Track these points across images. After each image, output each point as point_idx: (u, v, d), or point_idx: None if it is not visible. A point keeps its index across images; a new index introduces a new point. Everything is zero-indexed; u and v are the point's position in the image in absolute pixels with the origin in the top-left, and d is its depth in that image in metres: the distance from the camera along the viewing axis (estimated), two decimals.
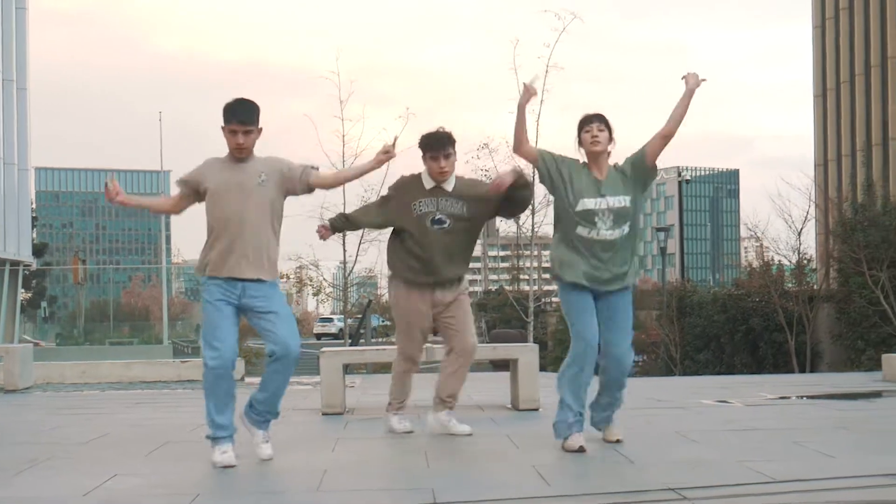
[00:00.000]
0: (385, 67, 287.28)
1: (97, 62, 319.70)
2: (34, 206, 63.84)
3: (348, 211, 11.70)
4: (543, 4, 25.64)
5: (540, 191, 18.88)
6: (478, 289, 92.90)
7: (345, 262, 26.51)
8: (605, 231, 6.02)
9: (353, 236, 25.39)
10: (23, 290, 53.51)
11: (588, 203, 5.99)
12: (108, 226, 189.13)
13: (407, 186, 6.92)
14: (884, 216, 25.12)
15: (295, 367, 5.96)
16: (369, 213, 7.36)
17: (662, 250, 40.50)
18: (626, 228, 6.10)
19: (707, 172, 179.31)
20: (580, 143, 6.19)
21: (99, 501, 4.87)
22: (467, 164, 26.50)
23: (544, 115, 26.62)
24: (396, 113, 74.25)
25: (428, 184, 6.84)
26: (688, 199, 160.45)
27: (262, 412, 5.96)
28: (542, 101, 24.91)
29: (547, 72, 24.80)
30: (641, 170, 6.16)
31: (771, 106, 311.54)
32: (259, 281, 5.83)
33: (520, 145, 6.29)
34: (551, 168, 6.15)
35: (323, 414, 8.79)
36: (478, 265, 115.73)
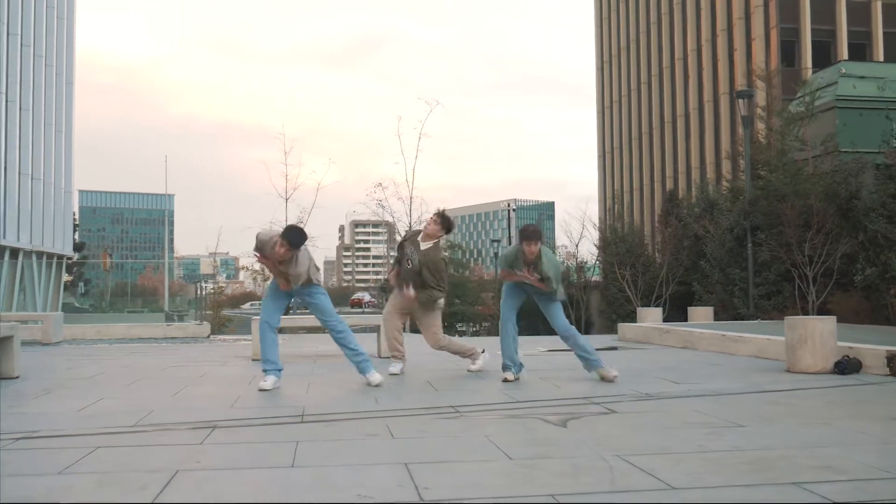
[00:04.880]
0: (323, 129, 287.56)
1: (126, 118, 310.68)
2: (77, 217, 61.63)
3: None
4: (418, 94, 26.34)
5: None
6: (381, 277, 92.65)
7: None
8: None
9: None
10: (66, 275, 51.77)
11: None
12: (130, 231, 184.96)
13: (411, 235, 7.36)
14: (628, 235, 26.13)
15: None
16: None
17: (496, 255, 41.16)
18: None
19: (534, 203, 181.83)
20: (521, 248, 6.50)
21: (86, 415, 4.99)
22: (367, 196, 26.96)
23: (419, 168, 27.29)
24: (324, 161, 74.66)
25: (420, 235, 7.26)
26: (518, 221, 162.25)
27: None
28: (416, 157, 25.57)
29: (420, 138, 25.41)
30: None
31: (577, 161, 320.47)
32: None
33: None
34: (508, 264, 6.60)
35: (252, 360, 8.80)
36: (382, 260, 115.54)
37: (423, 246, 7.14)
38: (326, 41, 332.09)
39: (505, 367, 6.70)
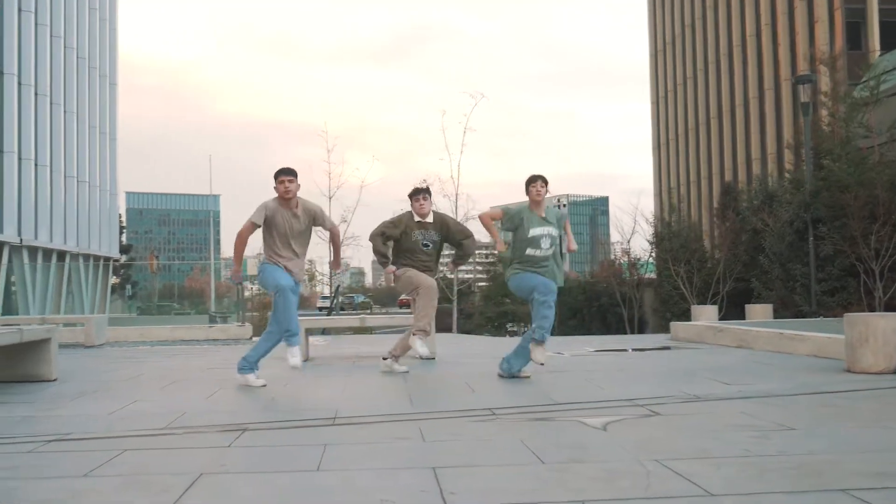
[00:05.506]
0: (368, 126, 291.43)
1: (170, 120, 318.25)
2: (123, 219, 63.10)
3: None
4: (465, 89, 26.66)
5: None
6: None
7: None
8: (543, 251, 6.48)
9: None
10: (114, 277, 53.11)
11: (535, 231, 6.46)
12: (177, 232, 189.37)
13: (405, 219, 7.33)
14: (683, 230, 25.77)
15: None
16: (391, 237, 7.38)
17: None
18: (554, 248, 6.58)
19: (588, 198, 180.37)
20: (528, 193, 6.54)
21: (118, 417, 5.11)
22: None
23: (465, 163, 27.67)
24: (367, 158, 75.29)
25: (416, 218, 7.28)
26: (572, 217, 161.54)
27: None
28: (461, 152, 25.80)
29: (465, 132, 25.62)
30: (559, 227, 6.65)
31: (630, 154, 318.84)
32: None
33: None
34: (514, 220, 6.52)
35: None
36: None
37: (429, 220, 7.30)
38: (372, 38, 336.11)
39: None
